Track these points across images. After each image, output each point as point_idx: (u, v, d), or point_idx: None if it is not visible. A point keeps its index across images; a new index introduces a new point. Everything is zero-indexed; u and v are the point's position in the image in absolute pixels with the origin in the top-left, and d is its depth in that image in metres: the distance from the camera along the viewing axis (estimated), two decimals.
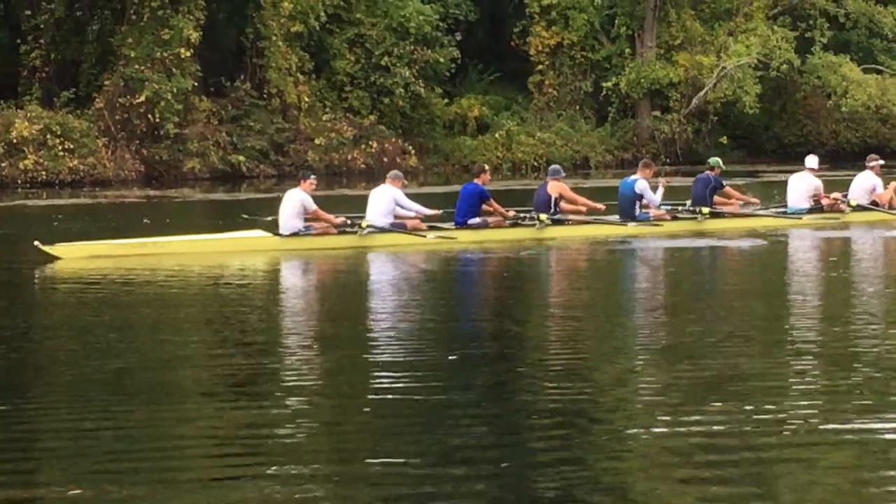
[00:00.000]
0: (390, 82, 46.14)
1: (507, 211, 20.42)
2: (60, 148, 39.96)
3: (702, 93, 50.15)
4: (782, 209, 22.57)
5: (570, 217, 20.66)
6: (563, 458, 7.11)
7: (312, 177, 19.74)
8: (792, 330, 11.36)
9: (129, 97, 41.32)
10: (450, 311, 13.69)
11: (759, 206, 22.79)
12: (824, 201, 22.40)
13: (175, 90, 41.23)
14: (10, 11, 45.78)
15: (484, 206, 20.12)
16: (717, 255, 19.07)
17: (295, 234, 19.01)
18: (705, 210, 21.27)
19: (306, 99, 45.16)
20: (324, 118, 45.28)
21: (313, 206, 19.10)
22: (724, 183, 22.15)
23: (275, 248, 19.05)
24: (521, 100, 51.81)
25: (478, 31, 50.44)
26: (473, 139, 49.00)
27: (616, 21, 51.44)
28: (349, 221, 19.34)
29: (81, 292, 15.08)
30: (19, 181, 39.22)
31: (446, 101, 49.14)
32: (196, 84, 42.19)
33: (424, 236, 19.45)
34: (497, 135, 48.74)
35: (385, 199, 19.63)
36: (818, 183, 22.48)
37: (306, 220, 19.11)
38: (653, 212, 21.03)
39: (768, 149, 54.45)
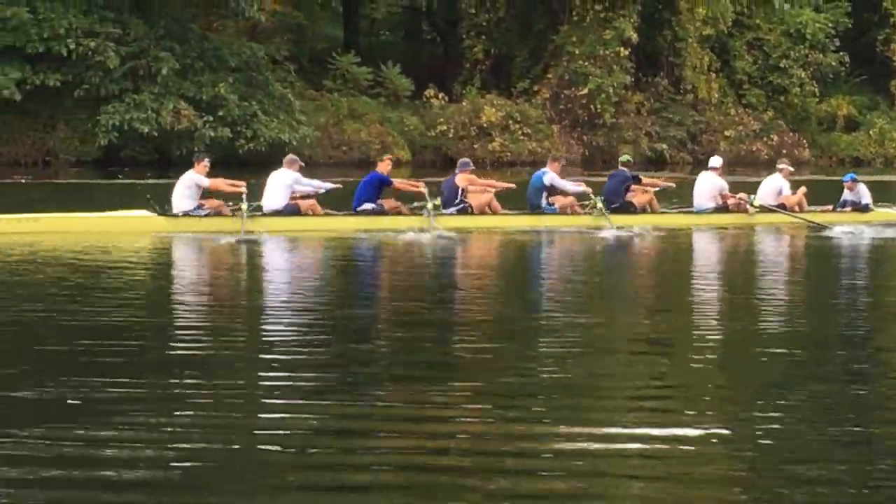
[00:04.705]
0: (787, 82, 51.41)
1: (418, 185, 20.55)
2: (520, 133, 45.94)
3: None
4: (688, 209, 22.69)
5: (473, 207, 20.67)
6: None
7: (206, 159, 19.59)
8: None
9: (572, 89, 47.10)
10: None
11: (674, 186, 23.38)
12: (730, 201, 22.42)
13: (615, 84, 46.90)
14: (446, 11, 52.09)
15: (394, 187, 20.45)
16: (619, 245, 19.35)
17: (186, 214, 18.98)
18: (599, 203, 21.16)
19: (715, 95, 50.57)
20: (730, 112, 50.69)
21: (207, 182, 19.14)
22: (640, 176, 22.79)
23: (157, 229, 18.68)
24: (881, 101, 56.57)
25: (846, 37, 55.16)
26: (847, 135, 53.93)
27: None
28: (246, 192, 19.00)
29: None
30: (488, 161, 45.15)
31: (817, 99, 54.16)
32: (632, 79, 47.84)
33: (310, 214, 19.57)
34: (871, 132, 53.64)
35: (282, 183, 19.69)
36: (723, 183, 22.53)
37: (201, 199, 19.18)
38: (559, 203, 21.34)
39: None
